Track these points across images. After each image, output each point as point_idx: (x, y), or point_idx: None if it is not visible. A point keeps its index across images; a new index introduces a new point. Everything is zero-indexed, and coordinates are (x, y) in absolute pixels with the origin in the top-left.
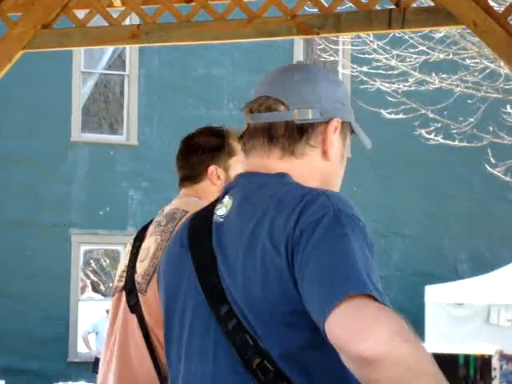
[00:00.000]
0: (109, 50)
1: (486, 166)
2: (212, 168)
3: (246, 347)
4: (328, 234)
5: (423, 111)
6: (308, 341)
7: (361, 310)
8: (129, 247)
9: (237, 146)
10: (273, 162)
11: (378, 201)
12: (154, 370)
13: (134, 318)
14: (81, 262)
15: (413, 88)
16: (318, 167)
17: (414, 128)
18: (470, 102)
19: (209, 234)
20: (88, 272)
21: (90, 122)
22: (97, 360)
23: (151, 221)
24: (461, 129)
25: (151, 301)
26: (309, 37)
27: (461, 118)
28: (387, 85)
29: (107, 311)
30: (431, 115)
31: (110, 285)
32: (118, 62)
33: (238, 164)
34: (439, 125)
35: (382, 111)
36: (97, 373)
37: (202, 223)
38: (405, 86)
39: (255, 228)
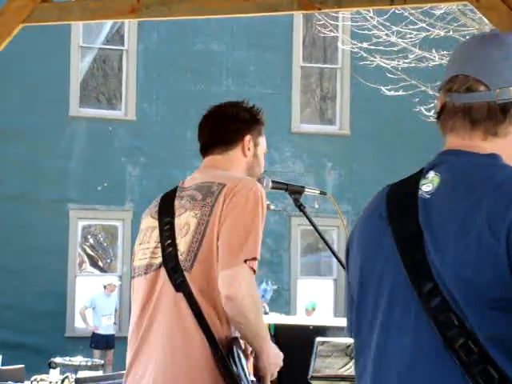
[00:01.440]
0: (107, 24)
1: None
2: (248, 137)
3: (450, 326)
4: None
5: (423, 88)
6: None
7: None
8: (152, 221)
9: (263, 130)
10: (476, 143)
11: (377, 178)
12: (207, 348)
13: (181, 297)
14: (79, 237)
15: (413, 64)
16: None
17: (414, 105)
18: None
19: (414, 209)
20: (86, 247)
21: (88, 97)
22: (94, 335)
23: (168, 194)
24: None
25: (198, 277)
26: (310, 12)
27: None
28: (387, 61)
29: (105, 286)
30: (431, 92)
31: (108, 260)
32: (117, 36)
33: (263, 146)
34: None
35: (382, 88)
36: (94, 348)
37: (404, 197)
38: (405, 62)
39: (471, 210)
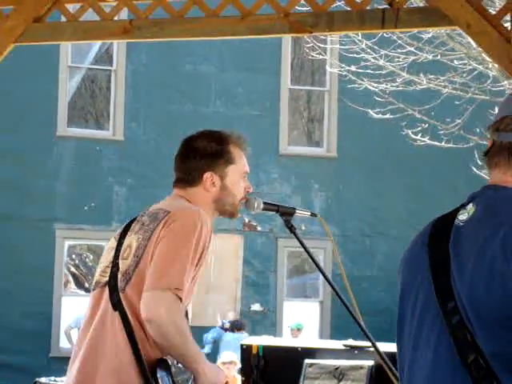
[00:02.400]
0: (96, 44)
1: (473, 167)
2: (207, 175)
3: (465, 342)
4: None
5: (410, 111)
6: None
7: None
8: (113, 242)
9: (237, 153)
10: None
11: (364, 201)
12: (135, 366)
13: (116, 315)
14: (65, 256)
15: (400, 88)
16: None
17: (401, 128)
18: (457, 103)
19: (447, 235)
20: (71, 267)
21: (76, 116)
22: None
23: (136, 217)
24: (448, 130)
25: (131, 300)
26: (301, 35)
27: (448, 119)
28: (375, 84)
29: None
30: (418, 116)
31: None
32: (106, 57)
33: (236, 173)
34: (426, 125)
35: (370, 111)
36: None
37: (443, 225)
38: (392, 86)
39: (489, 236)
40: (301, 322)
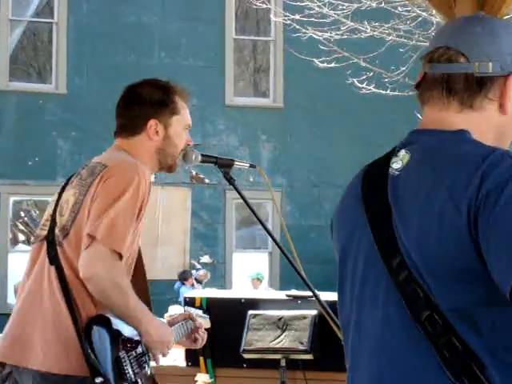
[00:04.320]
0: None
1: (418, 115)
2: (152, 122)
3: (416, 299)
4: None
5: (355, 60)
6: (480, 298)
7: None
8: (55, 196)
9: (181, 104)
10: (451, 114)
11: (311, 150)
12: (71, 323)
13: (53, 269)
14: (10, 213)
15: (345, 36)
16: (495, 121)
17: (347, 77)
18: (401, 50)
19: (384, 187)
20: (18, 223)
21: (18, 70)
22: None
23: (76, 171)
24: (392, 78)
25: (68, 253)
26: None
27: (393, 67)
28: (319, 33)
29: None
30: (363, 64)
31: None
32: (47, 9)
33: (180, 124)
34: (371, 74)
35: (315, 60)
36: None
37: (376, 175)
38: (337, 34)
39: (434, 185)
40: (260, 272)
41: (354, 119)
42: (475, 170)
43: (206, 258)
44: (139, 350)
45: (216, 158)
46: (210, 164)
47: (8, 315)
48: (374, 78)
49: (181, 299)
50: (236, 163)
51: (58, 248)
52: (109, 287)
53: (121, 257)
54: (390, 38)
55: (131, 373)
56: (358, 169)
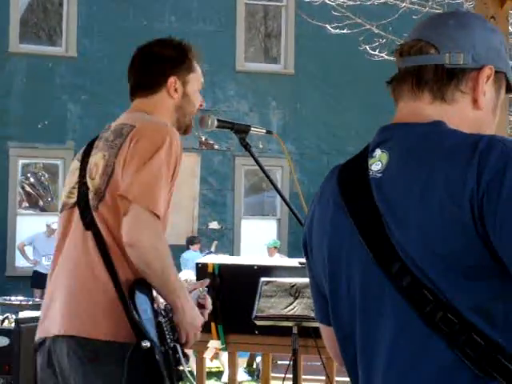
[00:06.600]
0: None
1: None
2: (172, 79)
3: (425, 302)
4: None
5: (368, 26)
6: (495, 292)
7: None
8: (76, 163)
9: (195, 63)
10: (423, 107)
11: (321, 118)
12: (111, 287)
13: (89, 235)
14: (19, 175)
15: (358, 2)
16: (469, 116)
17: (359, 43)
18: (414, 17)
19: (367, 191)
20: (26, 186)
21: (28, 32)
22: (35, 274)
23: (98, 136)
24: None
25: (105, 217)
26: None
27: (405, 34)
28: None
29: (48, 225)
30: (376, 31)
31: (49, 199)
32: None
33: (195, 82)
34: (384, 40)
35: (327, 26)
36: (35, 287)
37: (355, 180)
38: (350, 0)
39: (427, 181)
40: (277, 240)
41: (365, 86)
42: (467, 162)
43: (214, 224)
44: (172, 318)
45: (233, 123)
46: (225, 129)
47: (16, 277)
48: (387, 45)
49: (182, 265)
50: (252, 129)
51: (93, 213)
52: (154, 258)
53: (158, 218)
54: (404, 4)
55: (171, 338)
56: (369, 137)
